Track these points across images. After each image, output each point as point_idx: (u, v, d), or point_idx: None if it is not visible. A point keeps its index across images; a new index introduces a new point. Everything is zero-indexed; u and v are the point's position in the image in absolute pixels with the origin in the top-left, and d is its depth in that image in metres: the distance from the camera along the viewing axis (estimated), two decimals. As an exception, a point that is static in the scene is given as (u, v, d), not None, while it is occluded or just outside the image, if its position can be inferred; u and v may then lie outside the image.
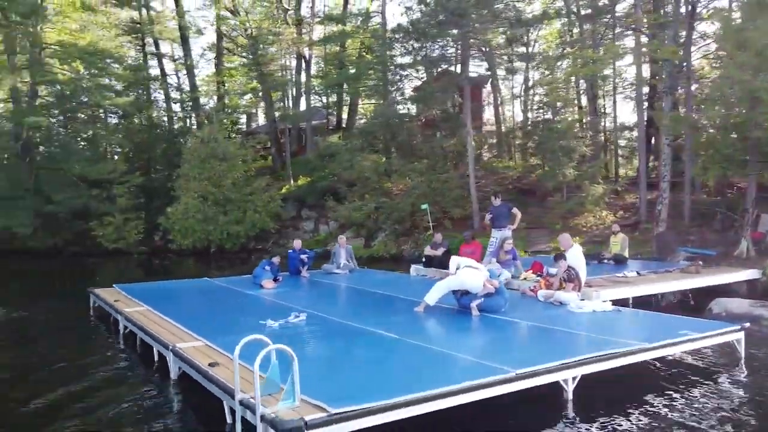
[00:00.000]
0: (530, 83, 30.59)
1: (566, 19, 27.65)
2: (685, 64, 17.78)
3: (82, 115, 31.60)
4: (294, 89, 34.81)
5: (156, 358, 7.49)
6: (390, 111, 24.80)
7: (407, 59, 24.37)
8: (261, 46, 31.68)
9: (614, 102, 29.36)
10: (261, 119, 41.39)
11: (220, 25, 35.65)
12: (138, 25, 33.72)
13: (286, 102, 36.22)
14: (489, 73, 31.97)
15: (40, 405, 6.34)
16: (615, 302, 9.34)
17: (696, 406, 5.85)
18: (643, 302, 10.66)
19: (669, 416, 5.59)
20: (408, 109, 25.79)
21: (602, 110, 30.11)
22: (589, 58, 19.21)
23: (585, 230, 21.84)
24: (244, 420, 4.74)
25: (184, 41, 34.89)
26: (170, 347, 6.70)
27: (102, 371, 7.55)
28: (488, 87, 33.14)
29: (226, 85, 38.26)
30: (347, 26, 32.02)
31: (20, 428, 5.84)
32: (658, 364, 7.24)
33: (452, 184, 22.55)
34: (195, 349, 6.55)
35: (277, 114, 33.18)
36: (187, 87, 35.50)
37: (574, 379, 5.84)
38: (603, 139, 28.63)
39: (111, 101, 27.88)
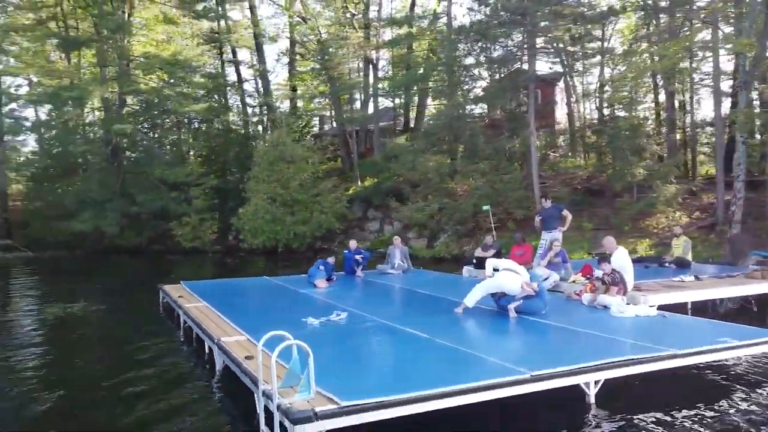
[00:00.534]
0: (603, 80, 29.67)
1: (642, 13, 26.64)
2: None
3: (168, 121, 33.70)
4: (362, 92, 35.47)
5: (207, 350, 8.06)
6: (453, 112, 24.83)
7: (470, 60, 24.30)
8: (329, 50, 32.55)
9: (691, 97, 27.88)
10: (333, 122, 42.50)
11: (292, 31, 36.92)
12: (216, 35, 35.47)
13: (353, 105, 36.95)
14: (562, 70, 31.41)
15: (99, 387, 7.04)
16: (667, 308, 9.10)
17: (725, 419, 5.67)
18: (699, 308, 10.32)
19: (692, 428, 5.48)
20: (472, 109, 25.69)
21: (682, 106, 28.72)
22: (664, 52, 18.36)
23: (656, 232, 21.05)
24: (267, 410, 5.11)
25: (259, 48, 36.35)
26: (215, 341, 7.21)
27: (159, 361, 8.22)
28: (561, 84, 32.46)
29: (298, 89, 39.57)
30: (413, 28, 32.28)
31: (81, 406, 6.52)
32: (701, 371, 7.06)
33: (515, 184, 22.32)
34: (237, 343, 7.02)
35: (345, 116, 33.95)
36: (261, 92, 37.06)
37: (596, 383, 5.83)
38: (680, 136, 27.35)
39: (188, 108, 29.54)
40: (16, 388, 7.18)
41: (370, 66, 33.89)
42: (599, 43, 30.94)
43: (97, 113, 35.78)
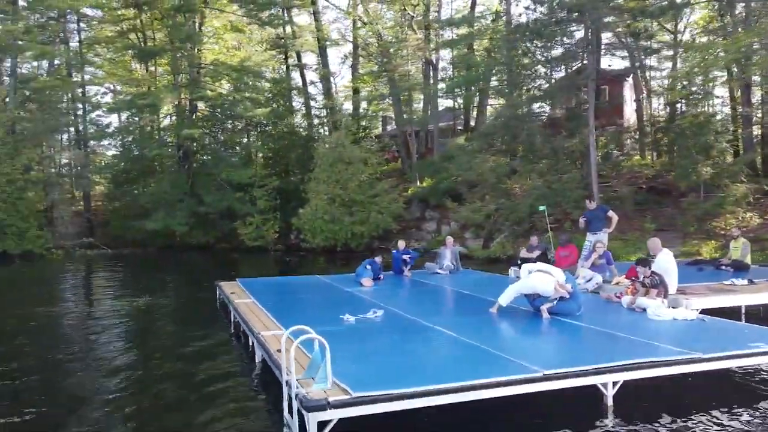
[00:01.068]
0: (672, 75, 28.56)
1: (717, 5, 25.48)
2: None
3: (239, 125, 35.25)
4: (423, 93, 35.70)
5: (250, 344, 8.59)
6: (510, 112, 24.64)
7: (529, 59, 24.02)
8: (389, 52, 32.99)
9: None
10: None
11: (355, 34, 37.63)
12: (282, 40, 36.67)
13: (412, 106, 37.24)
14: (631, 66, 30.48)
15: (147, 372, 7.70)
16: (718, 312, 8.90)
17: (745, 426, 5.58)
18: (754, 313, 10.00)
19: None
20: (531, 109, 25.37)
21: (761, 101, 27.21)
22: (731, 43, 17.52)
23: (723, 233, 20.11)
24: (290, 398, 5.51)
25: (322, 52, 37.29)
26: (255, 334, 7.70)
27: (206, 353, 8.83)
28: (630, 81, 31.48)
29: (360, 91, 40.30)
30: (473, 28, 32.21)
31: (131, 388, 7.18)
32: (735, 376, 6.92)
33: (573, 184, 21.92)
34: (274, 336, 7.45)
35: (405, 117, 34.29)
36: (324, 95, 38.03)
37: (614, 384, 5.87)
38: (760, 132, 25.96)
39: (252, 112, 30.76)
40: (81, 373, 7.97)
41: (430, 67, 34.08)
42: (671, 36, 29.92)
43: (173, 118, 37.90)
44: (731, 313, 9.73)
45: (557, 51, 23.79)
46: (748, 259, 12.51)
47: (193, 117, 32.58)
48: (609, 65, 28.28)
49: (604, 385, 5.85)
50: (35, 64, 37.06)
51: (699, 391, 6.55)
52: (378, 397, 4.99)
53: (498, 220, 23.44)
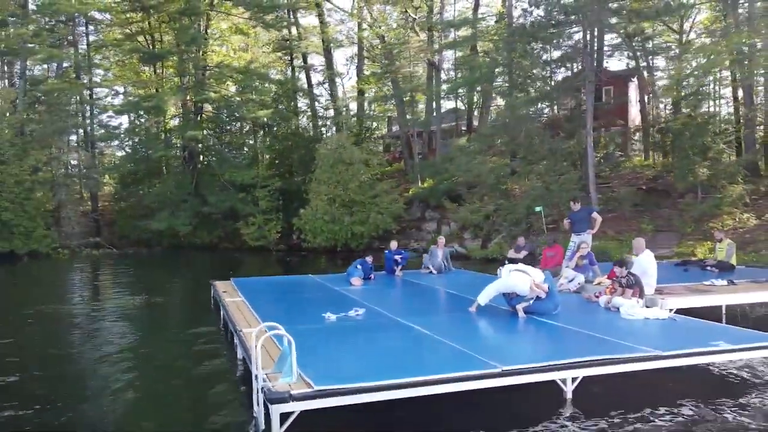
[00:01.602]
0: (670, 75, 28.64)
1: (720, 5, 25.47)
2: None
3: (246, 126, 35.65)
4: (425, 94, 35.91)
5: (235, 341, 8.88)
6: (509, 113, 24.81)
7: (528, 61, 24.16)
8: (392, 53, 33.26)
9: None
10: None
11: (360, 36, 37.91)
12: (287, 42, 37.02)
13: (415, 107, 37.48)
14: (635, 66, 30.56)
15: (132, 368, 8.02)
16: (698, 311, 9.11)
17: (701, 422, 5.76)
18: (732, 313, 10.16)
19: (666, 428, 5.62)
20: (530, 110, 25.52)
21: (763, 101, 27.18)
22: (727, 43, 17.58)
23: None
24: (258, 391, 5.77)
25: (327, 54, 37.60)
26: (237, 331, 7.98)
27: (195, 348, 9.16)
28: (635, 81, 31.50)
29: (365, 92, 40.60)
30: (474, 30, 32.38)
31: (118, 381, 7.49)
32: (700, 373, 7.12)
33: (570, 185, 22.05)
34: (254, 334, 7.74)
35: (408, 118, 34.53)
36: (329, 96, 38.37)
37: (573, 379, 6.09)
38: (757, 132, 25.94)
39: (255, 114, 31.14)
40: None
41: (434, 68, 34.29)
42: (677, 37, 29.93)
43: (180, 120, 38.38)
44: (711, 313, 9.90)
45: (557, 53, 23.94)
46: (733, 260, 12.64)
47: (198, 118, 33.01)
48: (606, 65, 28.22)
49: (563, 380, 6.07)
50: (45, 66, 37.69)
51: (661, 386, 6.73)
52: (338, 390, 5.24)
53: (496, 220, 23.62)
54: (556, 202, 22.11)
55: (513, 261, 13.10)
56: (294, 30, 36.98)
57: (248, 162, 32.90)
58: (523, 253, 12.86)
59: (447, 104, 38.97)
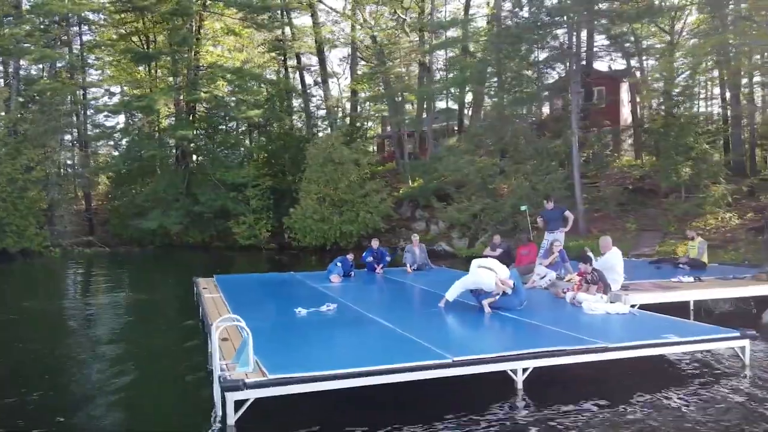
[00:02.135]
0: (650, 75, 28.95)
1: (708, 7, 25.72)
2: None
3: (242, 126, 35.81)
4: (416, 94, 36.11)
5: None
6: (496, 113, 25.05)
7: (513, 62, 24.40)
8: (383, 53, 33.51)
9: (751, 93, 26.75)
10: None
11: (354, 36, 38.12)
12: (280, 42, 37.22)
13: (407, 107, 37.73)
14: (628, 67, 30.86)
15: (107, 361, 8.24)
16: (666, 307, 9.41)
17: (644, 412, 5.94)
18: (698, 308, 10.42)
19: (610, 418, 5.83)
20: (516, 111, 25.77)
21: (747, 101, 27.46)
22: (701, 48, 17.92)
23: (702, 234, 20.36)
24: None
25: (320, 54, 37.83)
26: (210, 325, 8.19)
27: (172, 340, 9.42)
28: (627, 82, 31.77)
29: (359, 92, 40.83)
30: (466, 30, 32.64)
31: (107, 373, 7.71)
32: (651, 364, 7.34)
33: (556, 185, 22.28)
34: (225, 328, 7.96)
35: (399, 117, 34.75)
36: (322, 96, 38.65)
37: (524, 370, 6.31)
38: (744, 132, 26.24)
39: (245, 114, 31.37)
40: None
41: (425, 69, 34.52)
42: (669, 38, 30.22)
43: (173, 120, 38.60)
44: (680, 308, 10.16)
45: (543, 54, 24.20)
46: (704, 258, 12.90)
47: (191, 118, 33.23)
48: (599, 65, 28.51)
49: (514, 371, 6.29)
50: (41, 66, 37.84)
51: (614, 378, 6.93)
52: (291, 379, 5.47)
53: (483, 219, 23.84)
54: (542, 202, 22.30)
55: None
56: (288, 30, 37.20)
57: (240, 161, 33.12)
58: (498, 251, 13.08)
59: (440, 104, 39.27)
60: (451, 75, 35.65)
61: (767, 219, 16.87)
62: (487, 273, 8.85)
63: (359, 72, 41.00)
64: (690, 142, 20.90)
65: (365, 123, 41.26)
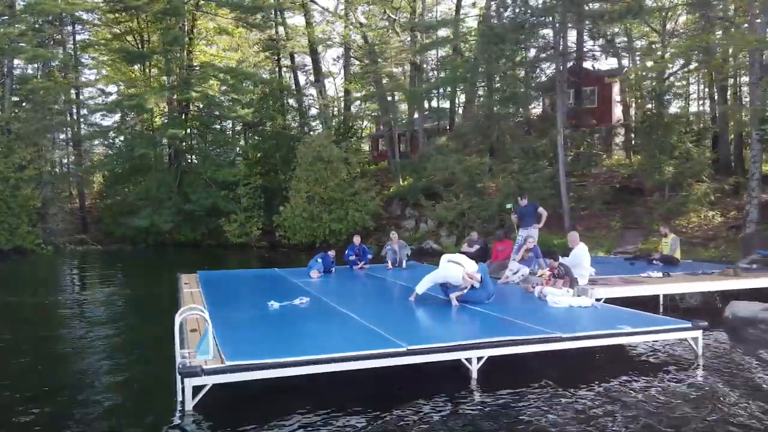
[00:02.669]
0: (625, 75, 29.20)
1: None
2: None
3: (238, 125, 35.95)
4: (407, 94, 36.32)
5: (184, 327, 9.32)
6: (482, 112, 25.28)
7: (500, 62, 24.60)
8: (375, 52, 33.73)
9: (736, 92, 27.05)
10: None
11: (347, 36, 38.34)
12: (274, 41, 37.40)
13: (398, 106, 37.94)
14: (619, 66, 31.13)
15: (83, 353, 8.45)
16: (636, 300, 9.68)
17: (597, 399, 6.16)
18: (667, 302, 10.66)
19: (563, 406, 6.03)
20: (503, 110, 25.98)
21: (734, 101, 27.71)
22: (681, 48, 18.17)
23: (684, 232, 20.60)
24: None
25: (314, 54, 38.02)
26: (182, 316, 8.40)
27: (150, 333, 9.63)
28: (618, 81, 32.00)
29: (352, 92, 41.08)
30: (456, 30, 32.87)
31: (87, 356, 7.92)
32: (610, 354, 7.57)
33: (542, 183, 22.51)
34: (196, 319, 8.17)
35: (390, 117, 34.96)
36: (315, 96, 38.81)
37: (479, 359, 6.52)
38: (730, 133, 26.46)
39: (236, 113, 31.59)
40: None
41: (416, 69, 34.74)
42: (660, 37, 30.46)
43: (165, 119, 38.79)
44: (650, 302, 10.42)
45: (530, 54, 24.40)
46: (677, 254, 13.13)
47: (183, 117, 33.43)
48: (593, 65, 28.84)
49: (469, 360, 6.50)
50: (35, 65, 37.99)
51: (572, 368, 7.15)
52: (248, 366, 5.69)
53: (470, 217, 24.07)
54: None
55: (466, 255, 13.60)
56: (282, 30, 37.39)
57: (231, 160, 33.34)
58: (475, 247, 13.31)
59: (433, 103, 39.42)
60: (442, 74, 35.84)
61: (746, 216, 17.04)
62: (455, 267, 9.07)
63: (352, 72, 41.28)
64: (674, 141, 21.12)
65: (358, 122, 41.45)
